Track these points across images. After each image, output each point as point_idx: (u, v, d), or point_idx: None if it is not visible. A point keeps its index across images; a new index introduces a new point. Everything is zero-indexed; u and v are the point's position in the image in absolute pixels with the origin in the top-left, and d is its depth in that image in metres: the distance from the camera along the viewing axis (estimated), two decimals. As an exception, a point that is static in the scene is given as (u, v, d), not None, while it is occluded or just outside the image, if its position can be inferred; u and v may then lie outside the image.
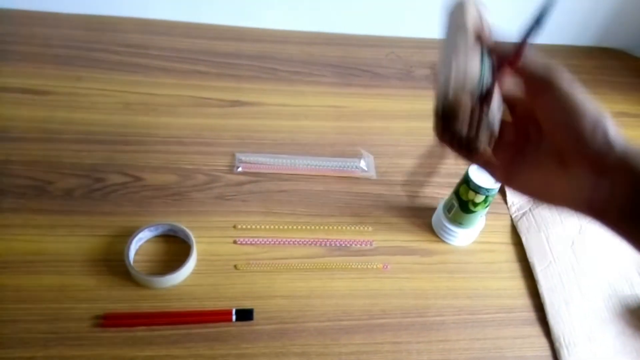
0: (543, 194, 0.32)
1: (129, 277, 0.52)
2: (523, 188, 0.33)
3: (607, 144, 0.28)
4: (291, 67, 0.81)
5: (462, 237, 0.60)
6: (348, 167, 0.66)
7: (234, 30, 0.85)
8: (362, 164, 0.67)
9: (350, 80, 0.80)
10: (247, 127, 0.70)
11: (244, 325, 0.50)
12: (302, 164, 0.66)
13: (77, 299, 0.50)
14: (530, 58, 0.30)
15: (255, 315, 0.51)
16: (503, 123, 0.34)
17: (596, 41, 0.97)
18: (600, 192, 0.29)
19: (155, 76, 0.75)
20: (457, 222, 0.58)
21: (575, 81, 0.29)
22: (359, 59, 0.85)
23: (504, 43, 0.32)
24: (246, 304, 0.52)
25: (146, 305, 0.50)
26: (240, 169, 0.64)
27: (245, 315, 0.51)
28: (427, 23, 0.90)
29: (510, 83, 0.32)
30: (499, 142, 0.33)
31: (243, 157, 0.65)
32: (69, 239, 0.55)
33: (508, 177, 0.34)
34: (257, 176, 0.64)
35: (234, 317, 0.50)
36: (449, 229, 0.59)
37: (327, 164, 0.66)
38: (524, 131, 0.33)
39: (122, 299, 0.51)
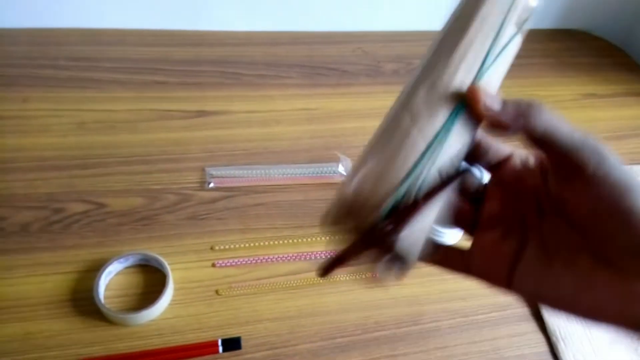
0: (580, 307, 0.23)
1: (101, 316, 0.48)
2: (543, 297, 0.24)
3: None
4: (256, 70, 0.77)
5: (450, 236, 0.58)
6: (326, 172, 0.64)
7: (191, 35, 0.81)
8: (341, 168, 0.64)
9: (319, 80, 0.77)
10: (216, 138, 0.66)
11: (232, 356, 0.47)
12: (278, 173, 0.63)
13: (44, 347, 0.45)
14: (555, 123, 0.22)
15: (243, 343, 0.48)
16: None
17: (558, 23, 0.97)
18: None
19: (110, 90, 0.70)
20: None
21: (617, 159, 0.22)
22: (326, 57, 0.82)
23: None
24: (232, 332, 0.48)
25: (123, 346, 0.46)
26: (212, 185, 0.60)
27: (232, 344, 0.47)
28: (393, 16, 0.88)
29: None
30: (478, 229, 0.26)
31: (214, 172, 0.61)
32: (30, 280, 0.50)
33: (511, 278, 0.25)
34: (231, 191, 0.60)
35: (220, 349, 0.47)
36: (435, 229, 0.57)
37: (303, 171, 0.63)
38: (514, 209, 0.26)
39: (95, 342, 0.46)
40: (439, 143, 0.23)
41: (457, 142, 0.24)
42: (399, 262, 0.23)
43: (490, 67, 0.25)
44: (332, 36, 0.86)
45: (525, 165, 0.26)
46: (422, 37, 0.88)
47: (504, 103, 0.23)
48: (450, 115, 0.24)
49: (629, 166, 0.69)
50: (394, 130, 0.24)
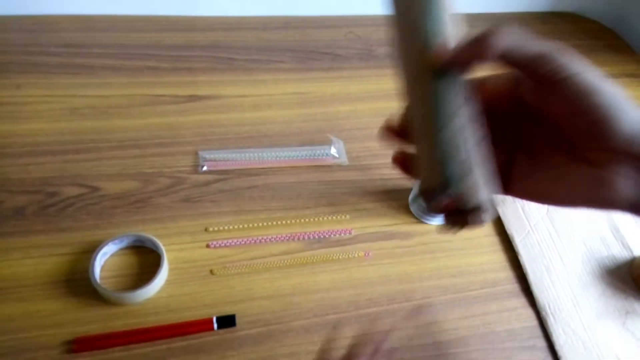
0: (558, 197, 0.27)
1: (97, 296, 0.48)
2: (530, 194, 0.28)
3: (633, 124, 0.23)
4: (248, 55, 0.77)
5: (441, 216, 0.59)
6: (318, 155, 0.64)
7: (182, 21, 0.80)
8: (333, 150, 0.64)
9: (311, 65, 0.77)
10: (208, 122, 0.66)
11: (227, 333, 0.48)
12: (271, 156, 0.63)
13: (42, 326, 0.46)
14: (515, 42, 0.24)
15: (237, 320, 0.49)
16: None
17: (549, 6, 0.97)
18: (630, 187, 0.24)
19: (101, 76, 0.70)
20: (434, 201, 0.57)
21: (582, 59, 0.24)
22: (318, 41, 0.82)
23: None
24: (227, 310, 0.49)
25: (119, 324, 0.47)
26: (205, 168, 0.61)
27: (227, 322, 0.48)
28: (383, -1, 0.88)
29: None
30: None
31: (207, 155, 0.62)
32: (26, 262, 0.50)
33: (507, 185, 0.28)
34: (225, 174, 0.61)
35: (215, 326, 0.48)
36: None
37: (296, 154, 0.64)
38: (514, 125, 0.28)
39: (92, 320, 0.47)
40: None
41: (456, 97, 0.25)
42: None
43: (436, 21, 0.26)
44: (324, 20, 0.86)
45: (500, 84, 0.28)
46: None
47: (458, 46, 0.25)
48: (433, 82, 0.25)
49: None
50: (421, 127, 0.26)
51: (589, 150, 0.25)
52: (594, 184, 0.25)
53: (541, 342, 0.52)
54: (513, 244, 0.58)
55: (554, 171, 0.27)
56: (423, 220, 0.59)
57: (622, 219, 0.62)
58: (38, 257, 0.51)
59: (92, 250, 0.50)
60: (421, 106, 0.26)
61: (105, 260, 0.51)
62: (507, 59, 0.24)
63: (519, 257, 0.57)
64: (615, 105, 0.23)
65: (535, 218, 0.61)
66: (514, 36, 0.24)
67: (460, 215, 0.26)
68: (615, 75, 0.85)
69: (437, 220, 0.59)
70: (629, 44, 0.93)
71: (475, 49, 0.24)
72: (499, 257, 0.58)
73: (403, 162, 0.28)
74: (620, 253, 0.60)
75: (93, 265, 0.49)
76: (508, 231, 0.59)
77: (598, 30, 0.95)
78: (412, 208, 0.60)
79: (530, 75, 0.25)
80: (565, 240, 0.59)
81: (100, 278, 0.49)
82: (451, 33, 0.26)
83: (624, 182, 0.24)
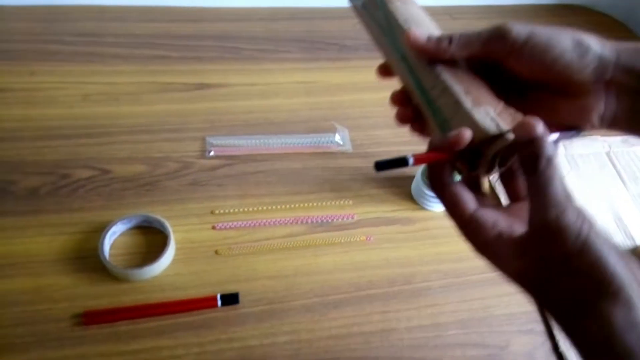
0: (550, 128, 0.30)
1: (106, 273, 0.50)
2: None
3: (596, 60, 0.27)
4: (256, 45, 0.78)
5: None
6: (323, 142, 0.65)
7: (192, 11, 0.82)
8: (337, 138, 0.65)
9: (318, 55, 0.79)
10: (216, 109, 0.68)
11: (231, 310, 0.49)
12: (276, 143, 0.64)
13: (53, 300, 0.48)
14: (470, 37, 0.29)
15: (241, 298, 0.50)
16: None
17: (558, -1, 0.97)
18: (608, 108, 0.28)
19: (113, 64, 0.72)
20: (436, 187, 0.58)
21: (528, 23, 0.28)
22: (325, 31, 0.83)
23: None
24: (231, 289, 0.51)
25: (127, 300, 0.49)
26: (212, 153, 0.62)
27: (230, 299, 0.49)
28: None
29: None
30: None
31: (214, 141, 0.63)
32: (39, 239, 0.52)
33: None
34: (231, 159, 0.62)
35: (219, 303, 0.49)
36: (429, 195, 0.59)
37: (301, 141, 0.65)
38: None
39: (101, 295, 0.49)
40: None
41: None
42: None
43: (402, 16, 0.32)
44: (331, 12, 0.87)
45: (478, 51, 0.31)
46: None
47: (429, 38, 0.30)
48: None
49: (626, 137, 0.70)
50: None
51: (567, 87, 0.29)
52: (577, 112, 0.29)
53: (540, 327, 0.52)
54: (514, 230, 0.59)
55: (543, 107, 0.30)
56: (425, 206, 0.60)
57: (625, 208, 0.63)
58: (50, 235, 0.52)
59: (101, 229, 0.52)
60: (405, 83, 0.31)
61: (115, 239, 0.53)
62: (471, 48, 0.29)
63: (520, 244, 0.58)
64: (574, 49, 0.27)
65: (537, 206, 0.61)
66: (469, 34, 0.29)
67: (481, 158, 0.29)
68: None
69: (440, 206, 0.60)
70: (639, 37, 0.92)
71: (435, 52, 0.29)
72: (499, 244, 0.58)
73: (404, 117, 0.32)
74: (622, 242, 0.60)
75: (102, 243, 0.50)
76: (509, 218, 0.60)
77: (607, 24, 0.94)
78: (414, 195, 0.61)
79: (494, 51, 0.29)
80: (566, 228, 0.60)
81: (110, 256, 0.51)
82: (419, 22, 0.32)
83: (601, 105, 0.28)
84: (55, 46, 0.73)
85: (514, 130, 0.26)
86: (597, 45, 0.27)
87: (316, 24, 0.84)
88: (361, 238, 0.57)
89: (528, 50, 0.28)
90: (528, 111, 0.30)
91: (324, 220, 0.58)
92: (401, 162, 0.26)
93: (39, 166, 0.58)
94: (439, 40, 0.29)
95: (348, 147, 0.65)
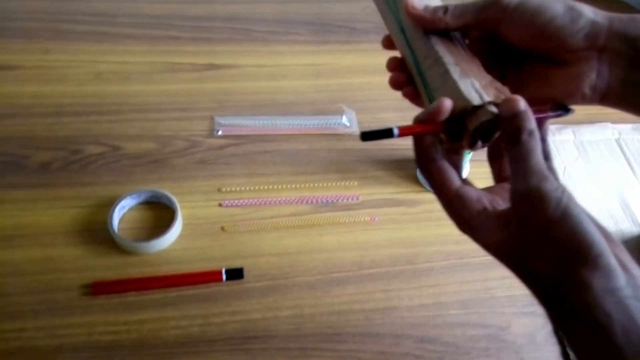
0: (544, 97, 0.30)
1: (115, 245, 0.51)
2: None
3: (589, 25, 0.27)
4: (266, 27, 0.79)
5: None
6: (330, 124, 0.66)
7: (204, -7, 0.82)
8: (344, 120, 0.66)
9: (328, 37, 0.79)
10: (225, 90, 0.68)
11: (235, 284, 0.50)
12: (284, 124, 0.65)
13: (63, 270, 0.49)
14: (464, 9, 0.29)
15: (245, 273, 0.51)
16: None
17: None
18: (600, 78, 0.28)
19: (125, 44, 0.72)
20: (441, 170, 0.58)
21: None
22: (335, 14, 0.83)
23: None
24: (236, 264, 0.51)
25: (134, 272, 0.50)
26: (220, 133, 0.63)
27: (235, 274, 0.50)
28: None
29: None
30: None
31: (222, 121, 0.64)
32: (50, 212, 0.53)
33: None
34: (239, 139, 0.63)
35: (224, 277, 0.50)
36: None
37: (308, 122, 0.65)
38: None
39: (109, 267, 0.50)
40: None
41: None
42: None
43: None
44: (343, -5, 0.86)
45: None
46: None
47: (425, 7, 0.30)
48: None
49: (636, 124, 0.70)
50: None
51: (559, 55, 0.29)
52: (570, 81, 0.29)
53: (541, 309, 0.52)
54: (519, 215, 0.59)
55: (537, 77, 0.30)
56: (429, 189, 0.60)
57: (633, 195, 0.62)
58: (61, 208, 0.54)
59: (111, 203, 0.53)
60: (402, 54, 0.33)
61: (124, 214, 0.54)
62: (466, 22, 0.30)
63: (524, 228, 0.58)
64: (565, 13, 0.27)
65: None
66: (459, 6, 0.30)
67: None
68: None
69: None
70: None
71: (430, 21, 0.30)
72: (504, 227, 0.58)
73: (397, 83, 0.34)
74: (629, 229, 0.59)
75: (111, 217, 0.52)
76: (515, 203, 0.60)
77: (622, 9, 0.93)
78: (419, 177, 0.61)
79: (487, 22, 0.29)
80: (572, 214, 0.60)
81: (118, 229, 0.52)
82: None
83: (593, 74, 0.28)
84: (69, 25, 0.74)
85: (500, 106, 0.26)
86: (589, 12, 0.28)
87: (326, 7, 0.84)
88: (365, 218, 0.57)
89: (519, 14, 0.28)
90: (523, 82, 0.31)
91: (329, 201, 0.58)
92: (386, 133, 0.26)
93: (51, 142, 0.60)
94: (435, 9, 0.30)
95: (355, 129, 0.65)
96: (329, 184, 0.60)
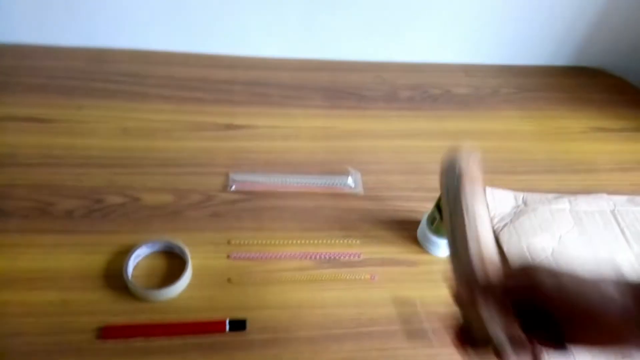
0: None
1: (128, 292, 0.54)
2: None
3: (622, 301, 0.29)
4: (283, 91, 0.85)
5: (446, 248, 0.62)
6: (336, 184, 0.70)
7: (228, 59, 0.90)
8: (350, 180, 0.70)
9: (339, 103, 0.84)
10: (241, 148, 0.73)
11: (238, 335, 0.53)
12: (293, 181, 0.69)
13: (78, 313, 0.52)
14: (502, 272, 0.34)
15: (248, 325, 0.53)
16: None
17: (573, 60, 1.01)
18: None
19: (153, 103, 0.79)
20: (440, 233, 0.61)
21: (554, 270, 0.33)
22: (347, 82, 0.89)
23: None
24: (239, 315, 0.54)
25: (144, 318, 0.53)
26: (233, 188, 0.67)
27: (238, 325, 0.53)
28: (412, 48, 0.95)
29: None
30: None
31: (236, 177, 0.69)
32: (71, 257, 0.57)
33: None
34: (250, 194, 0.67)
35: (227, 327, 0.52)
36: (433, 240, 0.62)
37: (316, 181, 0.70)
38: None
39: (121, 312, 0.53)
40: None
41: None
42: None
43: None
44: (355, 65, 0.93)
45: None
46: (438, 68, 0.94)
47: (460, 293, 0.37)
48: None
49: (631, 196, 0.72)
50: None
51: (598, 331, 0.30)
52: (613, 353, 0.30)
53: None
54: (515, 280, 0.61)
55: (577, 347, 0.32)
56: (429, 251, 0.63)
57: (628, 267, 0.64)
58: (81, 254, 0.58)
59: (127, 251, 0.57)
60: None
61: (138, 262, 0.58)
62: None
63: (520, 293, 0.59)
64: (597, 297, 0.30)
65: (539, 258, 0.63)
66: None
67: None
68: (632, 129, 0.87)
69: (443, 251, 0.63)
70: (652, 101, 0.95)
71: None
72: (500, 292, 0.60)
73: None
74: (624, 299, 0.61)
75: (127, 264, 0.55)
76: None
77: (620, 86, 0.98)
78: (420, 238, 0.64)
79: (525, 293, 0.32)
80: (568, 281, 0.61)
81: (132, 276, 0.56)
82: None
83: (636, 348, 0.29)
84: (103, 84, 0.81)
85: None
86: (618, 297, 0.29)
87: (340, 76, 0.90)
88: (366, 276, 0.60)
89: (556, 294, 0.32)
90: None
91: (332, 257, 0.61)
92: None
93: (77, 191, 0.64)
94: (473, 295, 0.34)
95: (359, 190, 0.69)
96: (332, 241, 0.63)
